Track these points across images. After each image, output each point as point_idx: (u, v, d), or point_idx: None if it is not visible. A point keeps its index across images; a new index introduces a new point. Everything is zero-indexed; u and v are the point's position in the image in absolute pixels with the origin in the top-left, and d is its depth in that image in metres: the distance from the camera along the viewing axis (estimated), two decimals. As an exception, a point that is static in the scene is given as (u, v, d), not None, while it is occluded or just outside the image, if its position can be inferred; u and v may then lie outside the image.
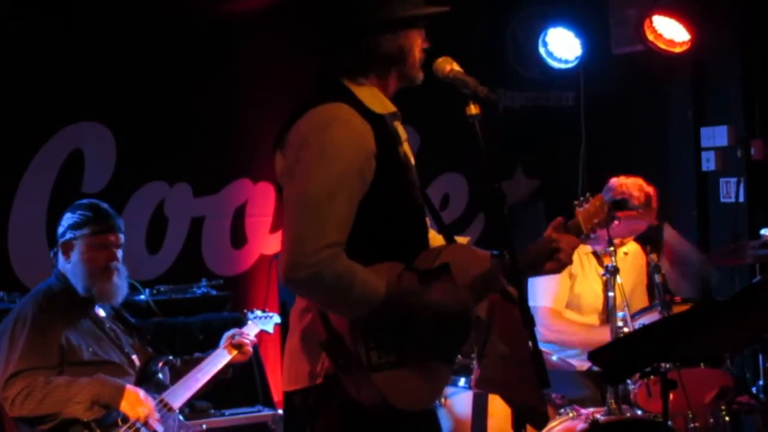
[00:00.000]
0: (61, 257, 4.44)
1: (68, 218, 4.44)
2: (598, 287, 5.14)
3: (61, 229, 4.45)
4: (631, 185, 5.13)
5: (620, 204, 3.61)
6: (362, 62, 3.12)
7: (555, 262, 3.24)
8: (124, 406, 4.17)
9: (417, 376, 3.00)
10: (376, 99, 3.11)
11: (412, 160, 3.23)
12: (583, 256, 5.21)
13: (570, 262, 3.27)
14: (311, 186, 2.92)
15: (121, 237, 4.50)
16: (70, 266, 4.41)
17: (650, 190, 5.15)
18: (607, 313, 4.99)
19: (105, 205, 4.52)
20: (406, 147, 3.21)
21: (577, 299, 5.22)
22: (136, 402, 4.19)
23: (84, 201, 4.55)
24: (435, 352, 3.03)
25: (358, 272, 2.93)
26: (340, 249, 2.90)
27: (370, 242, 3.02)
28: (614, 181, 5.20)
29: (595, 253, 5.21)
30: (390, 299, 2.94)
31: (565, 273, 4.85)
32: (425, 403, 3.06)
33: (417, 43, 3.14)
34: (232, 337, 4.67)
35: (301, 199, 2.93)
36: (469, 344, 3.14)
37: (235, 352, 4.63)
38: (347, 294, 2.91)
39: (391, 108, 3.14)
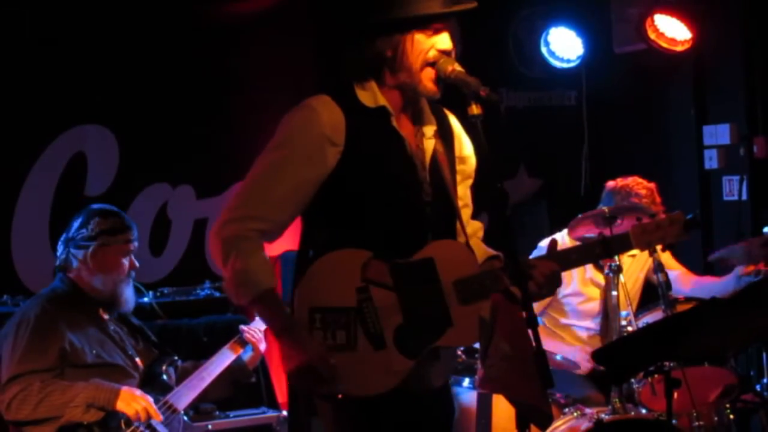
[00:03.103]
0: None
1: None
2: (592, 292, 5.13)
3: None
4: (633, 184, 5.11)
5: (695, 222, 3.42)
6: (357, 63, 3.17)
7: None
8: (120, 405, 4.18)
9: (368, 362, 3.01)
10: (371, 95, 3.16)
11: (427, 157, 3.20)
12: None
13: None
14: (257, 165, 3.11)
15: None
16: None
17: (651, 185, 5.14)
18: (607, 318, 5.00)
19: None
20: (424, 143, 3.21)
21: (565, 300, 5.19)
22: (132, 399, 4.20)
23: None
24: (397, 343, 3.04)
25: (251, 259, 3.02)
26: (253, 223, 3.03)
27: (340, 227, 3.10)
28: (612, 183, 5.17)
29: None
30: (265, 303, 3.03)
31: None
32: (372, 391, 3.03)
33: (412, 48, 3.12)
34: (239, 337, 4.68)
35: (248, 176, 3.11)
36: (443, 341, 3.10)
37: (240, 350, 4.62)
38: (230, 269, 3.02)
39: (381, 101, 3.15)
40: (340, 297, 3.03)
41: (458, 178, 3.32)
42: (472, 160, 3.36)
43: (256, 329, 4.70)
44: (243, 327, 4.70)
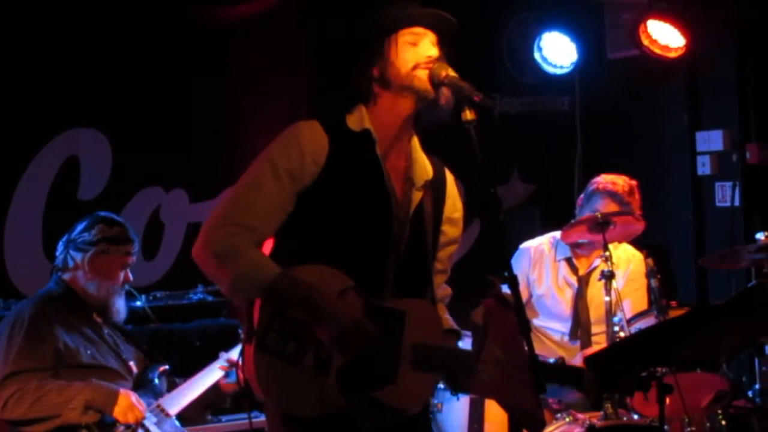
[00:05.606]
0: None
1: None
2: (562, 295, 5.12)
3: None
4: (614, 177, 5.10)
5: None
6: (348, 90, 3.25)
7: None
8: (117, 412, 4.19)
9: (304, 382, 3.00)
10: (358, 119, 3.22)
11: (412, 206, 3.24)
12: (551, 262, 5.17)
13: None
14: (242, 178, 3.16)
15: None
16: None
17: (633, 182, 5.12)
18: (577, 321, 4.99)
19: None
20: (412, 193, 3.24)
21: (538, 302, 5.19)
22: (128, 407, 4.21)
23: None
24: (339, 377, 3.03)
25: (251, 253, 3.04)
26: (242, 229, 3.05)
27: (307, 241, 3.13)
28: (596, 179, 5.16)
29: (568, 260, 5.18)
30: (278, 286, 2.99)
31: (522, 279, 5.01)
32: (296, 410, 3.03)
33: (397, 57, 3.16)
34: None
35: (233, 188, 3.17)
36: (380, 394, 3.08)
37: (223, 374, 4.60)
38: (231, 267, 3.01)
39: (367, 125, 3.20)
40: None
41: (442, 238, 3.36)
42: (459, 226, 3.40)
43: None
44: (223, 353, 4.66)
